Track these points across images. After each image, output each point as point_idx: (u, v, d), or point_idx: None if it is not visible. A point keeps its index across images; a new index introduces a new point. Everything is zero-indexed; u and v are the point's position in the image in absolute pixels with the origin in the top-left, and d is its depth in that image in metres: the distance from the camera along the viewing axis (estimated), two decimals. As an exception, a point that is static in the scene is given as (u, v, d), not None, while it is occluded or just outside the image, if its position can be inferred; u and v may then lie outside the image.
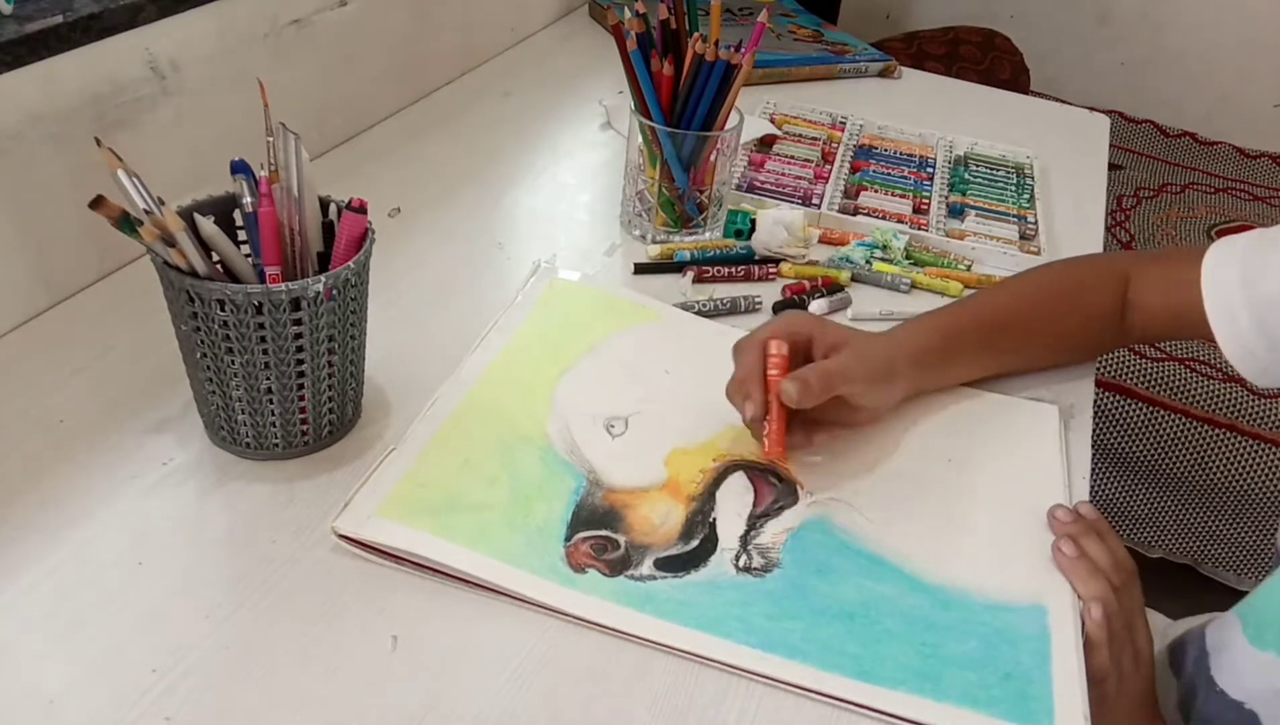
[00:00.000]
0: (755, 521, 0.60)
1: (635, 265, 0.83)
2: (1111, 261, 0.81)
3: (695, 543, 0.58)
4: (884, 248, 0.88)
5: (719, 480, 0.63)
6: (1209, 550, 1.57)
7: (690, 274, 0.82)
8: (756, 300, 0.80)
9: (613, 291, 0.79)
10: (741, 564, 0.57)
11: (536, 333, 0.73)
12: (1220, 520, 1.54)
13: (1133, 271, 0.75)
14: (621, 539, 0.58)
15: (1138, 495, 1.57)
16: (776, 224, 0.84)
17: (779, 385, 0.62)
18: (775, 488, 0.63)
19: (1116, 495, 1.58)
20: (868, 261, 0.87)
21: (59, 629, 0.50)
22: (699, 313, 0.78)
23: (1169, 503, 1.55)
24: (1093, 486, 0.67)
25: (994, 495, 0.64)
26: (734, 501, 0.61)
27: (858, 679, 0.52)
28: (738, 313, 0.79)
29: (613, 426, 0.66)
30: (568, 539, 0.57)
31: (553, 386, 0.68)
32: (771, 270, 0.83)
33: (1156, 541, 1.59)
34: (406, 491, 0.58)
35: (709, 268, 0.82)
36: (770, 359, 0.63)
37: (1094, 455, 0.70)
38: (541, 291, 0.78)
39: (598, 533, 0.58)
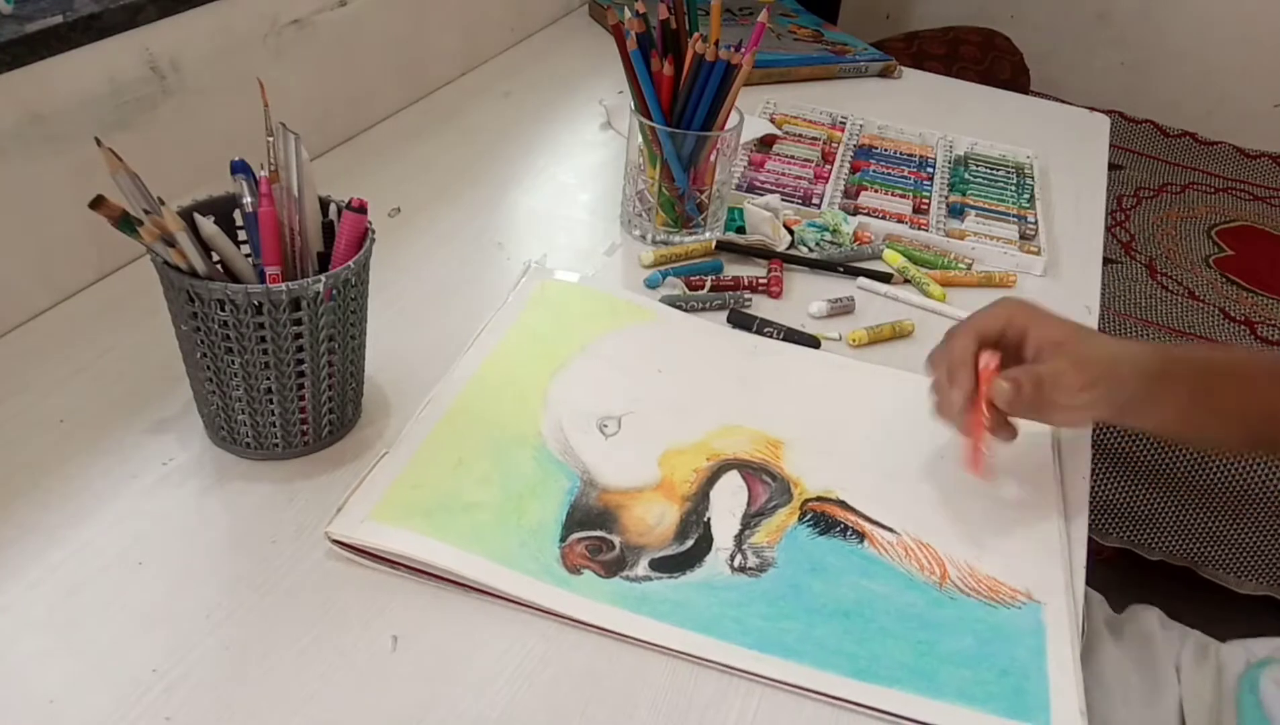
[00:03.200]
0: (750, 521, 0.60)
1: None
2: None
3: (690, 543, 0.58)
4: (834, 231, 0.89)
5: (712, 480, 0.63)
6: (1209, 552, 1.57)
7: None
8: (746, 297, 0.80)
9: (605, 290, 0.79)
10: (736, 564, 0.57)
11: (528, 333, 0.73)
12: (1220, 521, 1.53)
13: None
14: (616, 540, 0.58)
15: (1138, 495, 1.56)
16: (763, 215, 0.85)
17: (986, 395, 0.59)
18: (769, 487, 0.63)
19: (1116, 495, 1.57)
20: (818, 244, 0.88)
21: (59, 629, 0.50)
22: (689, 309, 0.78)
23: (1169, 503, 1.55)
24: (1093, 486, 0.67)
25: (988, 492, 0.64)
26: (728, 501, 0.61)
27: (854, 678, 0.52)
28: (727, 308, 0.79)
29: (606, 426, 0.66)
30: (562, 539, 0.57)
31: (545, 386, 0.68)
32: (761, 280, 0.82)
33: (1156, 543, 1.59)
34: (400, 494, 0.58)
35: (703, 277, 0.82)
36: (981, 371, 0.60)
37: (1094, 455, 0.70)
38: (532, 292, 0.78)
39: (592, 533, 0.58)
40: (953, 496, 0.64)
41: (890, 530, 0.61)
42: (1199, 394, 0.64)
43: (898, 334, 0.79)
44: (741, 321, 0.77)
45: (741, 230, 0.88)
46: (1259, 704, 0.71)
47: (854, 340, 0.77)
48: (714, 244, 0.83)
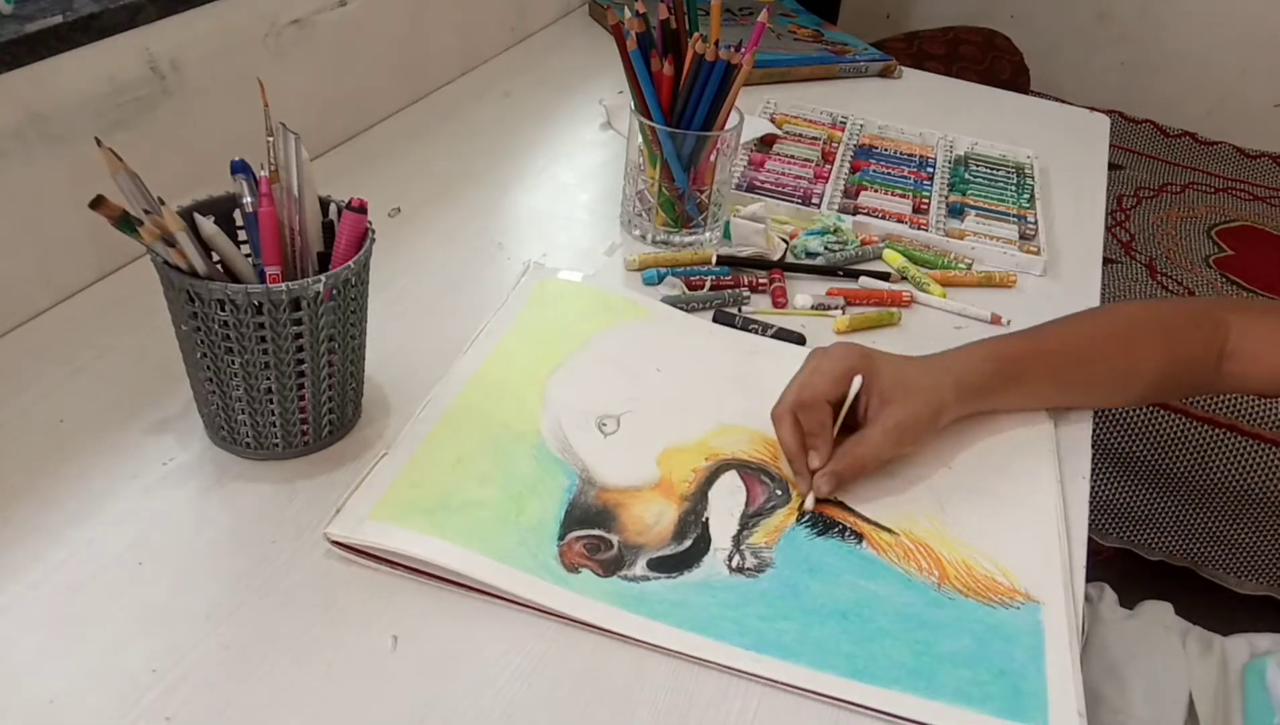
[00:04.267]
0: (748, 521, 0.60)
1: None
2: (1207, 307, 0.78)
3: (688, 543, 0.58)
4: (835, 232, 0.89)
5: (711, 479, 0.63)
6: (1209, 552, 1.57)
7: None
8: (744, 295, 0.80)
9: (603, 289, 0.79)
10: (734, 564, 0.57)
11: (528, 331, 0.73)
12: (1220, 521, 1.53)
13: (1234, 321, 0.73)
14: (614, 539, 0.58)
15: (1138, 495, 1.56)
16: (752, 226, 0.84)
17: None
18: (767, 487, 0.63)
19: (1116, 495, 1.57)
20: (826, 247, 0.88)
21: (59, 629, 0.50)
22: (688, 308, 0.78)
23: (1169, 503, 1.55)
24: (1093, 486, 0.67)
25: (987, 492, 0.64)
26: (726, 501, 0.61)
27: (851, 678, 0.52)
28: (727, 306, 0.79)
29: (605, 424, 0.66)
30: (561, 538, 0.57)
31: (545, 384, 0.68)
32: (762, 281, 0.82)
33: (1156, 543, 1.59)
34: (399, 493, 0.58)
35: (702, 278, 0.82)
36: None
37: (1094, 455, 0.70)
38: (532, 291, 0.78)
39: (591, 532, 0.58)
40: (951, 497, 0.64)
41: (889, 531, 0.61)
42: (1057, 385, 0.71)
43: (882, 322, 0.80)
44: (725, 319, 0.77)
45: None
46: (1265, 689, 0.72)
47: (838, 327, 0.78)
48: (714, 260, 0.83)
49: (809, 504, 0.62)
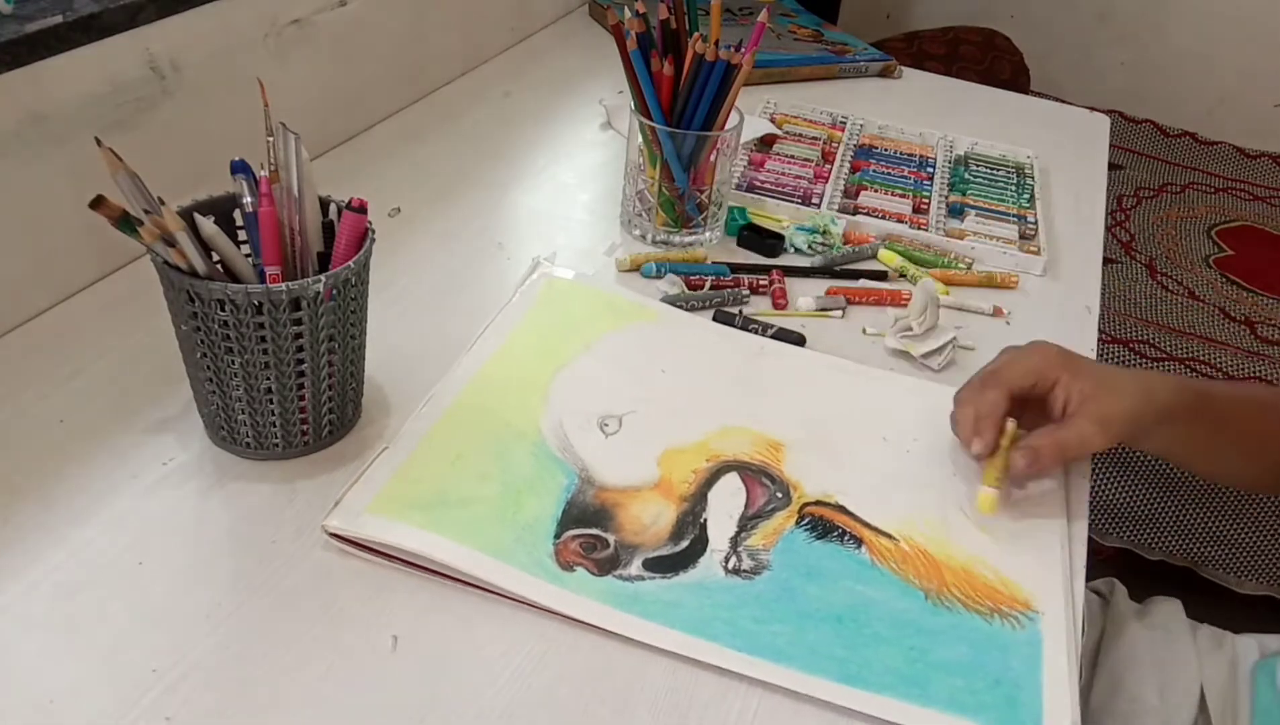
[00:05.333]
0: (746, 523, 0.60)
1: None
2: None
3: (685, 544, 0.58)
4: (823, 233, 0.89)
5: (711, 481, 0.63)
6: (1209, 552, 1.57)
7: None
8: (744, 295, 0.80)
9: (610, 290, 0.79)
10: (730, 566, 0.57)
11: (533, 330, 0.73)
12: (1220, 521, 1.53)
13: None
14: (611, 538, 0.58)
15: (1138, 495, 1.56)
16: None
17: (1012, 444, 0.62)
18: (767, 489, 0.63)
19: (1116, 495, 1.57)
20: (810, 246, 0.88)
21: (59, 629, 0.50)
22: (689, 308, 0.78)
23: (1169, 503, 1.55)
24: (1093, 486, 0.67)
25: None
26: (726, 502, 0.61)
27: (842, 683, 0.51)
28: (726, 306, 0.79)
29: (606, 425, 0.66)
30: (557, 536, 0.57)
31: (548, 383, 0.68)
32: (762, 282, 0.82)
33: (1156, 543, 1.58)
34: (397, 488, 0.58)
35: (702, 278, 0.82)
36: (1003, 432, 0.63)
37: (1094, 455, 0.70)
38: (539, 290, 0.78)
39: (588, 531, 0.58)
40: (953, 503, 0.64)
41: (889, 536, 0.61)
42: (1218, 427, 0.69)
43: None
44: (726, 319, 0.77)
45: (745, 229, 0.88)
46: (1275, 689, 0.73)
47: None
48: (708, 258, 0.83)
49: (983, 505, 0.61)
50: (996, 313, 0.82)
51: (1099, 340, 0.81)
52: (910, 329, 0.75)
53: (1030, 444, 0.61)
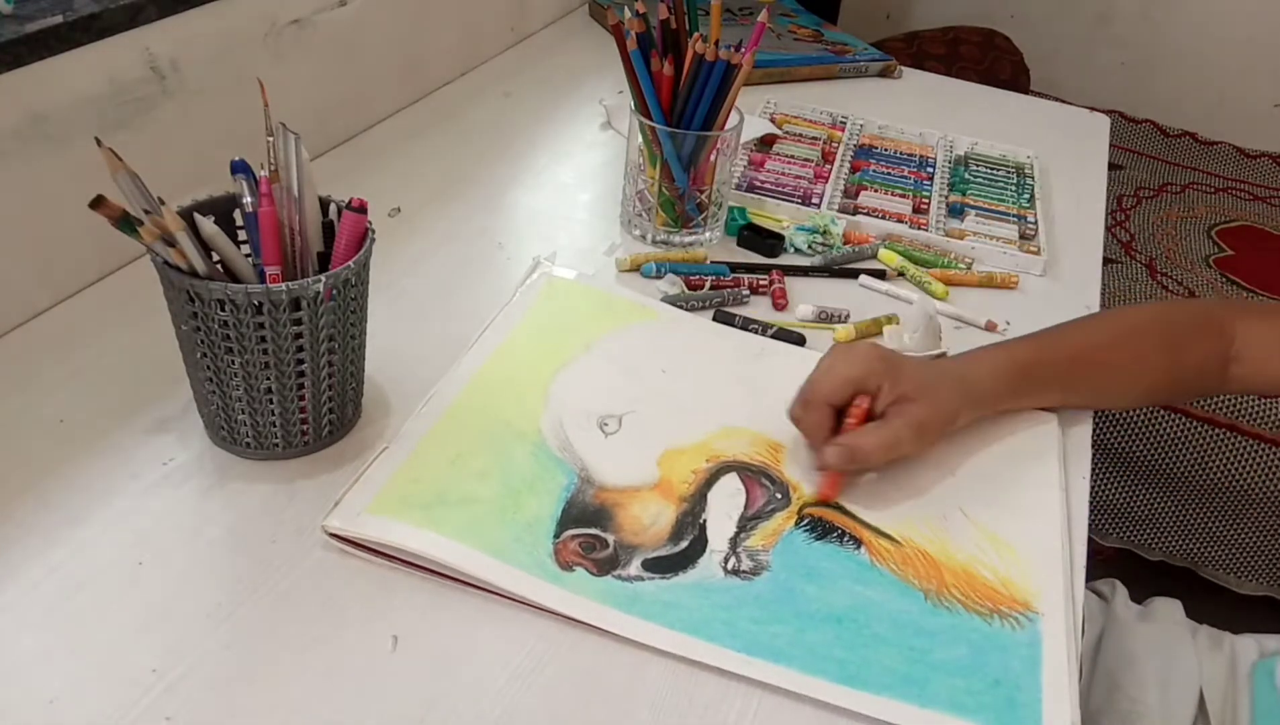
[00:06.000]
0: (746, 523, 0.60)
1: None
2: (1210, 311, 0.79)
3: (684, 544, 0.58)
4: (823, 233, 0.89)
5: (711, 481, 0.63)
6: (1209, 552, 1.57)
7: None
8: (744, 295, 0.80)
9: (610, 290, 0.79)
10: (730, 567, 0.57)
11: (534, 330, 0.73)
12: (1220, 521, 1.53)
13: (1239, 324, 0.74)
14: (610, 538, 0.58)
15: (1138, 495, 1.57)
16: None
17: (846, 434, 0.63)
18: (767, 490, 0.63)
19: (1116, 495, 1.57)
20: (810, 246, 0.88)
21: (59, 629, 0.50)
22: (689, 308, 0.78)
23: (1169, 503, 1.55)
24: (1093, 486, 0.67)
25: (989, 501, 0.64)
26: (725, 503, 0.61)
27: (842, 684, 0.51)
28: (726, 306, 0.79)
29: (606, 424, 0.66)
30: (556, 536, 0.57)
31: (548, 383, 0.68)
32: (763, 282, 0.82)
33: (1156, 543, 1.59)
34: (397, 488, 0.58)
35: (702, 278, 0.82)
36: (850, 409, 0.64)
37: (1094, 455, 0.70)
38: (540, 289, 0.78)
39: (587, 531, 0.58)
40: (952, 504, 0.64)
41: (888, 537, 0.61)
42: (1066, 390, 0.71)
43: (880, 328, 0.79)
44: (726, 318, 0.77)
45: (745, 229, 0.88)
46: (1275, 689, 0.73)
47: (842, 336, 0.77)
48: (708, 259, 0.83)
49: (807, 491, 0.62)
50: (989, 327, 0.81)
51: (1099, 340, 0.81)
52: (904, 342, 0.75)
53: (845, 443, 0.62)
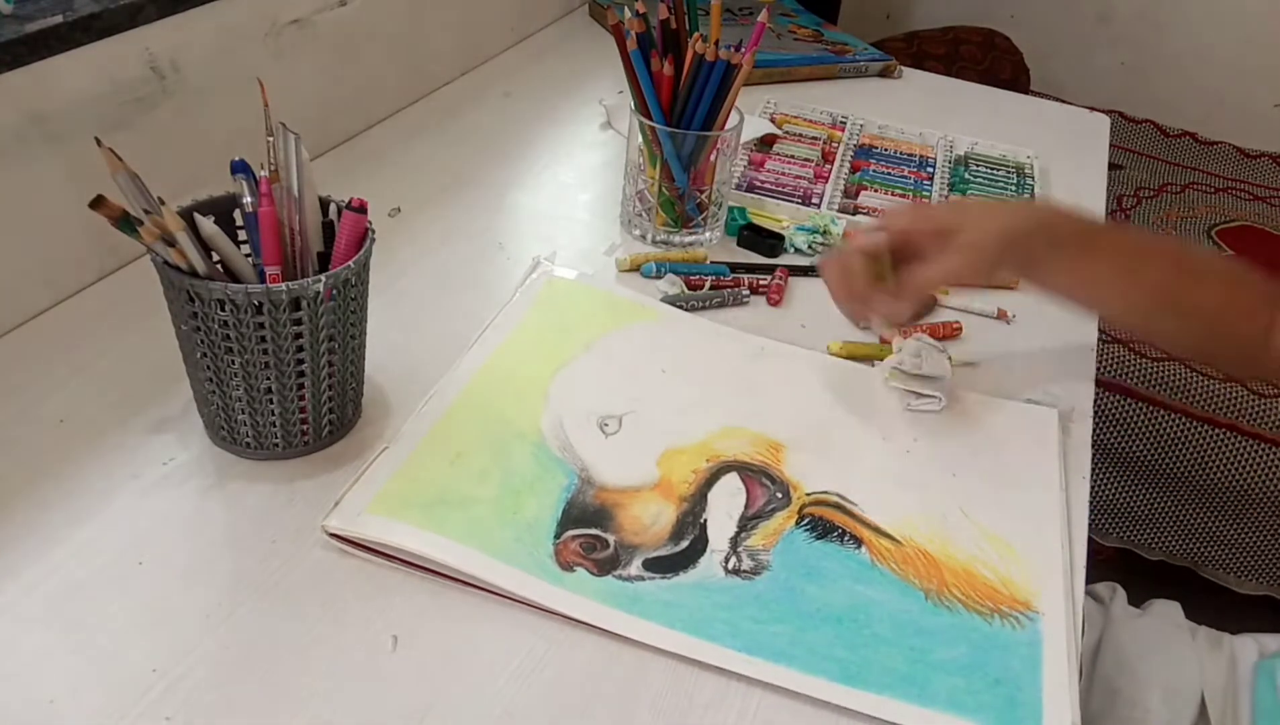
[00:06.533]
0: (746, 523, 0.60)
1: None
2: (1268, 282, 0.71)
3: (685, 544, 0.58)
4: (823, 233, 0.89)
5: (711, 481, 0.63)
6: (1209, 552, 1.57)
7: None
8: (744, 294, 0.80)
9: (610, 290, 0.79)
10: (730, 566, 0.57)
11: (534, 330, 0.73)
12: (1220, 521, 1.53)
13: None
14: (611, 538, 0.58)
15: (1138, 495, 1.56)
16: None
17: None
18: (767, 489, 0.63)
19: (1116, 495, 1.57)
20: (810, 246, 0.88)
21: (59, 629, 0.50)
22: (689, 308, 0.78)
23: (1169, 503, 1.55)
24: (1093, 486, 0.67)
25: (989, 501, 0.64)
26: (725, 503, 0.61)
27: (843, 683, 0.51)
28: (726, 306, 0.79)
29: (606, 425, 0.66)
30: (557, 536, 0.57)
31: (548, 383, 0.68)
32: (762, 280, 0.82)
33: (1156, 543, 1.59)
34: (397, 488, 0.58)
35: (702, 277, 0.82)
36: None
37: (1094, 455, 0.70)
38: (540, 289, 0.78)
39: (587, 531, 0.58)
40: (953, 503, 0.64)
41: (889, 536, 0.61)
42: (1130, 272, 0.66)
43: (876, 355, 0.75)
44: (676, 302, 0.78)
45: (745, 229, 0.88)
46: (1276, 690, 0.72)
47: (831, 349, 0.76)
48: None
49: (880, 328, 0.63)
50: (1000, 315, 0.82)
51: (1099, 340, 0.81)
52: (903, 364, 0.72)
53: (892, 293, 0.61)
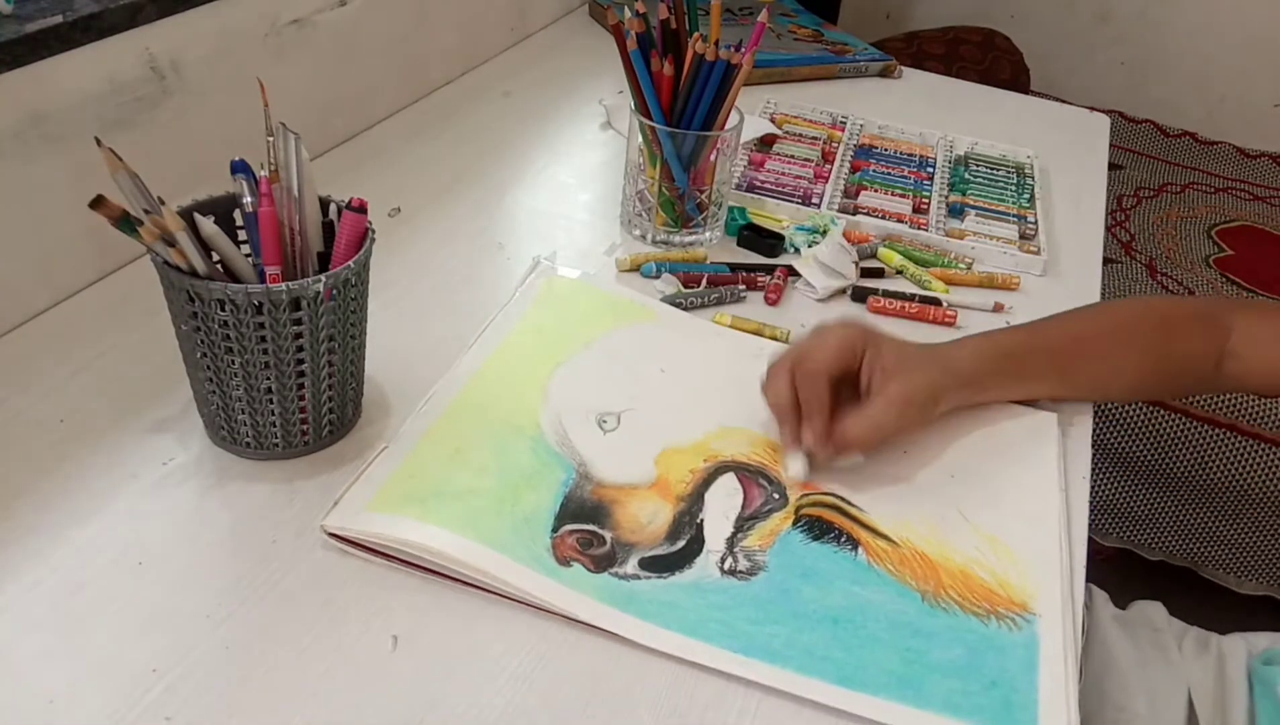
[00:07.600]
0: (743, 524, 0.60)
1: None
2: (1208, 306, 0.79)
3: (681, 543, 0.58)
4: (823, 233, 0.89)
5: (709, 481, 0.63)
6: (1209, 552, 1.57)
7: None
8: (741, 291, 0.80)
9: (610, 290, 0.79)
10: (727, 567, 0.57)
11: (533, 329, 0.73)
12: (1220, 521, 1.53)
13: (1236, 321, 0.73)
14: (608, 535, 0.58)
15: (1138, 495, 1.57)
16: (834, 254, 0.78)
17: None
18: (764, 490, 0.63)
19: (1116, 495, 1.57)
20: (810, 245, 0.88)
21: (59, 629, 0.50)
22: (687, 307, 0.78)
23: (1169, 503, 1.55)
24: (1093, 487, 0.67)
25: (987, 502, 0.64)
26: (722, 503, 0.61)
27: (839, 684, 0.51)
28: (724, 303, 0.79)
29: (605, 422, 0.66)
30: (554, 530, 0.57)
31: (547, 380, 0.69)
32: (762, 278, 0.82)
33: (1156, 543, 1.59)
34: (396, 485, 0.58)
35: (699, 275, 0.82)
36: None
37: (1094, 455, 0.70)
38: (540, 288, 0.78)
39: (585, 526, 0.58)
40: (950, 505, 0.63)
41: (885, 537, 0.61)
42: (1053, 379, 0.71)
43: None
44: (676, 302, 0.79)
45: (745, 229, 0.88)
46: (1276, 692, 0.72)
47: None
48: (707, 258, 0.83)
49: (795, 471, 0.62)
50: (997, 308, 0.82)
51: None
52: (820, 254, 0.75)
53: (832, 436, 0.62)
